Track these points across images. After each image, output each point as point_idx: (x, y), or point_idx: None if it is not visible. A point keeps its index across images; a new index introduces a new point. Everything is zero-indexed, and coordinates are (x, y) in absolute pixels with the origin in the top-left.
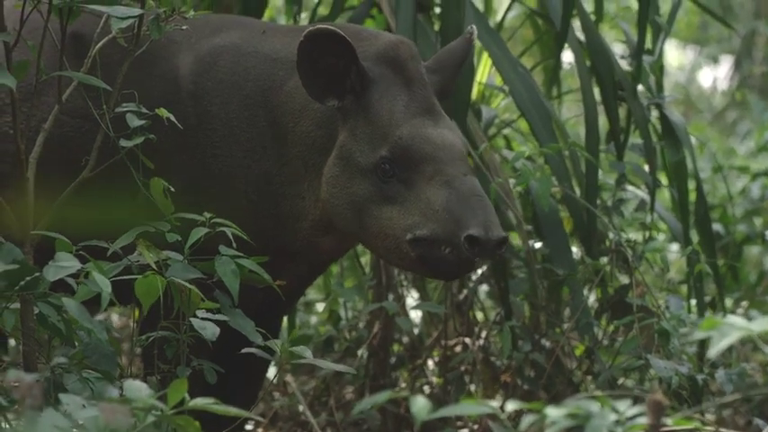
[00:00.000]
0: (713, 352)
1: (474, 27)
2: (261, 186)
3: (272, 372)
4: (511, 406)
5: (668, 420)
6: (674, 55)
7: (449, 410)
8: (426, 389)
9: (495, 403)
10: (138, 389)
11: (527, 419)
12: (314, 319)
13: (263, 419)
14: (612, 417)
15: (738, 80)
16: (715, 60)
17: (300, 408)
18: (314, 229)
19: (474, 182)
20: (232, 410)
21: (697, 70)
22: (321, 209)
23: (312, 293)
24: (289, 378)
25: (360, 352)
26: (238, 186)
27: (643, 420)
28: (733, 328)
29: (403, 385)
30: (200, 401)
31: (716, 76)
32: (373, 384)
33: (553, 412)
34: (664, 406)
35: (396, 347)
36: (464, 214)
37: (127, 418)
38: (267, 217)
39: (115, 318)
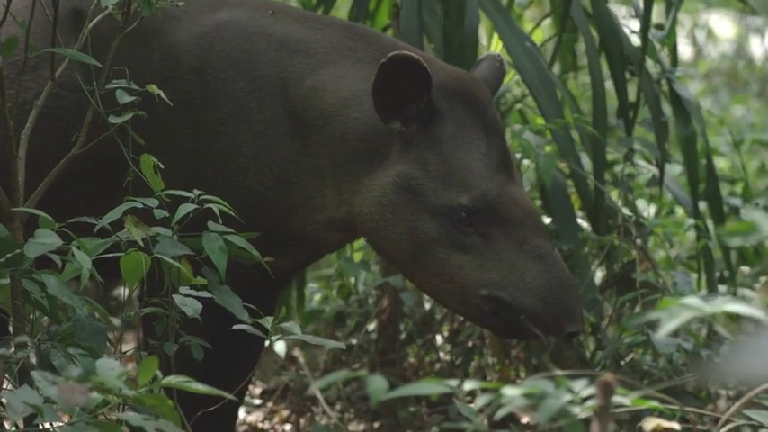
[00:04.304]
0: (662, 332)
1: (500, 54)
2: (274, 171)
3: (283, 346)
4: (468, 385)
5: (626, 400)
6: (727, 25)
7: (407, 389)
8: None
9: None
10: (109, 367)
11: (483, 398)
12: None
13: (236, 398)
14: (567, 397)
15: None
16: (761, 32)
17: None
18: (328, 226)
19: (561, 260)
20: (201, 388)
21: (746, 42)
22: (347, 213)
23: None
24: (297, 352)
25: (367, 327)
26: (245, 167)
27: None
28: (685, 308)
29: (411, 360)
30: (174, 380)
31: (766, 47)
32: (382, 359)
33: (508, 391)
34: (613, 387)
35: (406, 322)
36: (567, 305)
37: (85, 397)
38: (277, 202)
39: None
